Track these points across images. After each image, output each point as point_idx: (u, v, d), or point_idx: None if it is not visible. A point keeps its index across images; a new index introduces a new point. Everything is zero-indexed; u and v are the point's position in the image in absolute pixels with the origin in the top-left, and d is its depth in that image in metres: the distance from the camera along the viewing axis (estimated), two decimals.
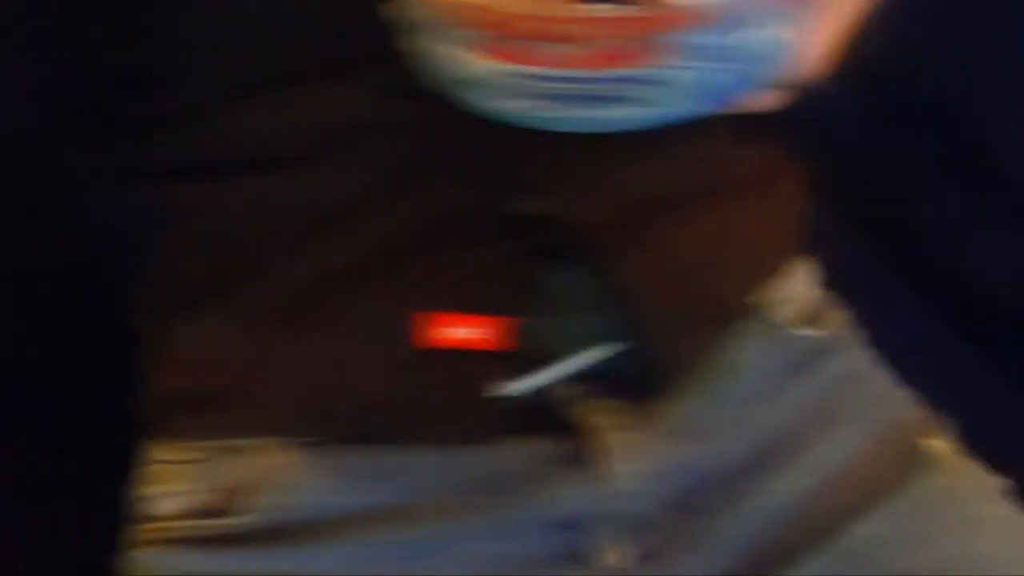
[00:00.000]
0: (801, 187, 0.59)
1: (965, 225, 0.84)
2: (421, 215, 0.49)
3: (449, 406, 0.50)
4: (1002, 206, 0.85)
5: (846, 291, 0.64)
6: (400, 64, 0.44)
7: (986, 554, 0.52)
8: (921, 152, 0.88)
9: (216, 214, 0.52)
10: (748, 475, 0.52)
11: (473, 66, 0.41)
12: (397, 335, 0.49)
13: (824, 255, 0.64)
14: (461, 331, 0.49)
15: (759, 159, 0.56)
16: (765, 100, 0.50)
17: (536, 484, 0.50)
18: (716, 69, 0.41)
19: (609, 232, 0.50)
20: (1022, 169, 0.83)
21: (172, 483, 0.52)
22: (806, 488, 0.53)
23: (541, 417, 0.50)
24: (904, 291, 0.82)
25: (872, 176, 0.90)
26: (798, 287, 0.58)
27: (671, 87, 0.41)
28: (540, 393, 0.50)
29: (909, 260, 0.84)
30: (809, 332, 0.57)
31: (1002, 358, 0.80)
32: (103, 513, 0.59)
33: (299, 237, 0.50)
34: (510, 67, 0.41)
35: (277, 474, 0.50)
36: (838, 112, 0.90)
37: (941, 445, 0.56)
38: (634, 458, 0.50)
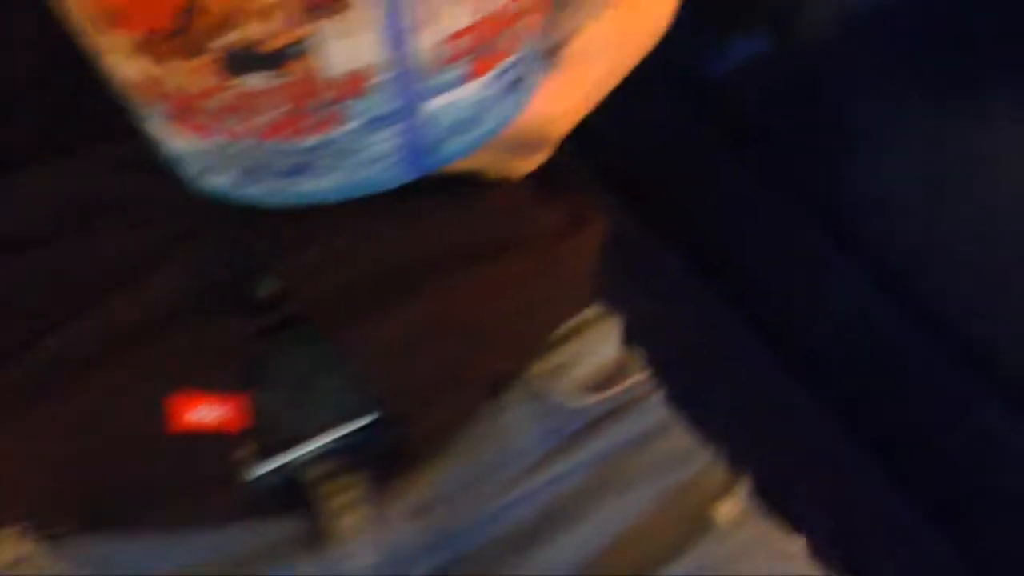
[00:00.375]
0: (588, 245, 0.58)
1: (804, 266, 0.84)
2: (158, 294, 0.48)
3: (191, 489, 0.49)
4: (845, 253, 0.85)
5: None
6: (136, 140, 0.44)
7: None
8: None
9: None
10: (514, 548, 0.51)
11: (173, 142, 0.41)
12: (136, 418, 0.48)
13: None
14: (201, 412, 0.48)
15: (531, 219, 0.55)
16: (504, 162, 0.49)
17: (273, 565, 0.49)
18: (407, 134, 0.40)
19: (341, 306, 0.49)
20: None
21: None
22: (580, 559, 0.51)
23: (285, 497, 0.49)
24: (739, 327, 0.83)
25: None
26: (586, 348, 0.56)
27: (358, 155, 0.39)
28: (283, 472, 0.49)
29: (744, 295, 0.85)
30: (594, 398, 0.55)
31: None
32: None
33: (39, 319, 0.49)
34: (204, 142, 0.40)
35: (16, 567, 0.49)
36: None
37: (731, 508, 0.54)
38: (372, 536, 0.49)
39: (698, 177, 0.95)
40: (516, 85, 0.41)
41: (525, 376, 0.53)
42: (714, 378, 0.79)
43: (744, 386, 0.79)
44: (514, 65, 0.40)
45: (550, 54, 0.45)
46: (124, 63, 0.38)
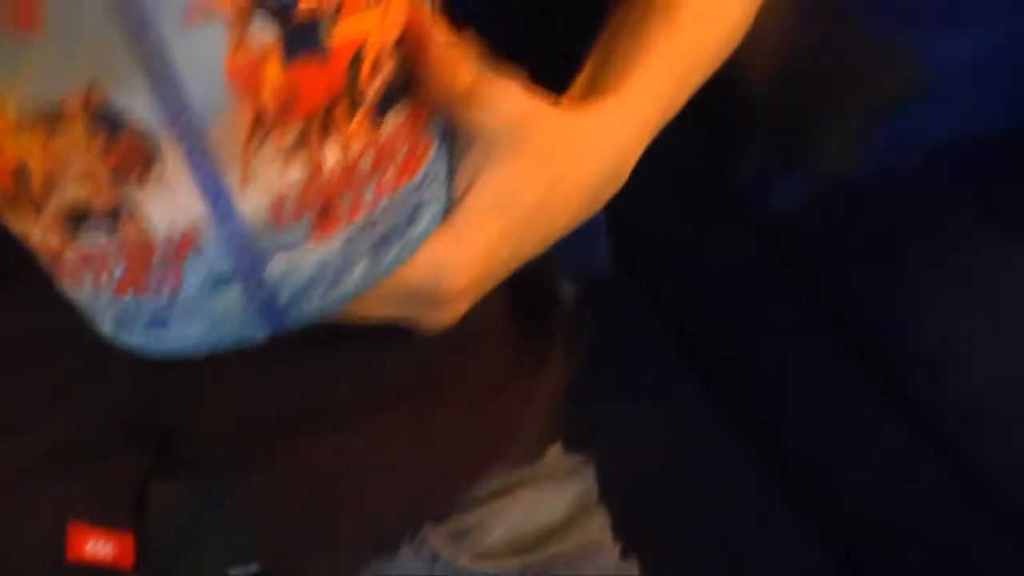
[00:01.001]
0: (529, 398, 0.56)
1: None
2: (60, 429, 0.49)
3: None
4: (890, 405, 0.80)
5: None
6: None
7: None
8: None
9: None
10: None
11: (63, 288, 0.42)
12: (34, 547, 0.49)
13: None
14: (96, 546, 0.49)
15: (454, 367, 0.53)
16: (404, 314, 0.47)
17: None
18: (253, 292, 0.40)
19: (235, 452, 0.49)
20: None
21: None
22: None
23: None
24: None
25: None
26: (511, 509, 0.54)
27: (210, 311, 0.40)
28: None
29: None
30: (508, 562, 0.53)
31: None
32: None
33: None
34: (76, 292, 0.41)
35: None
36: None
37: None
38: None
39: (753, 313, 0.92)
40: (380, 243, 0.40)
41: (424, 535, 0.52)
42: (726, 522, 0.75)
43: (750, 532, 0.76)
44: (370, 225, 0.39)
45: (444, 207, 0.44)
46: (7, 218, 0.40)
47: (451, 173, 0.43)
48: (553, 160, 0.43)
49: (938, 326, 0.86)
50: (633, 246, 0.90)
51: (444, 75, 0.38)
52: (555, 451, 0.59)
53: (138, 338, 0.41)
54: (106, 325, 0.41)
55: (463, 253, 0.43)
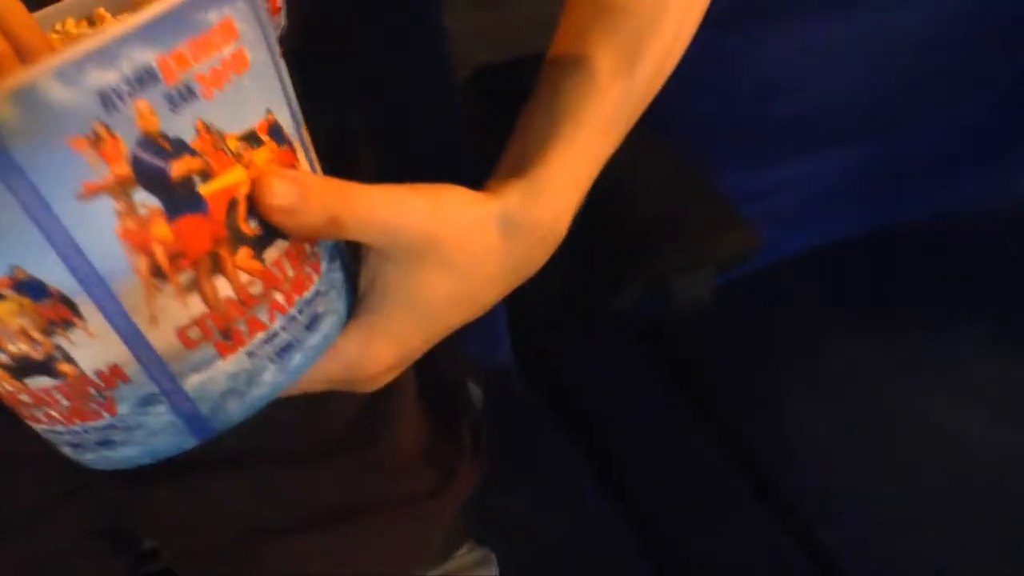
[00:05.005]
0: (440, 508, 0.63)
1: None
2: (49, 541, 0.55)
3: None
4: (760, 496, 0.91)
5: None
6: None
7: None
8: None
9: None
10: None
11: (25, 421, 0.48)
12: None
13: None
14: None
15: (377, 484, 0.59)
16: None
17: None
18: (178, 408, 0.44)
19: (209, 559, 0.55)
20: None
21: None
22: None
23: None
24: None
25: None
26: None
27: (147, 429, 0.45)
28: None
29: None
30: None
31: None
32: None
33: None
34: (35, 426, 0.47)
35: None
36: None
37: None
38: None
39: (639, 408, 1.02)
40: (283, 352, 0.45)
41: None
42: None
43: None
44: (269, 338, 0.45)
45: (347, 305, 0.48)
46: None
47: (351, 277, 0.47)
48: (465, 255, 0.44)
49: (797, 419, 0.96)
50: (532, 342, 0.98)
51: (296, 220, 0.41)
52: (464, 548, 0.67)
53: (92, 456, 0.47)
54: (65, 449, 0.47)
55: (374, 346, 0.45)
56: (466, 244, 0.43)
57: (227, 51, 0.41)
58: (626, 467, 0.96)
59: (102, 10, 0.48)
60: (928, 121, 1.15)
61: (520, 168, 0.46)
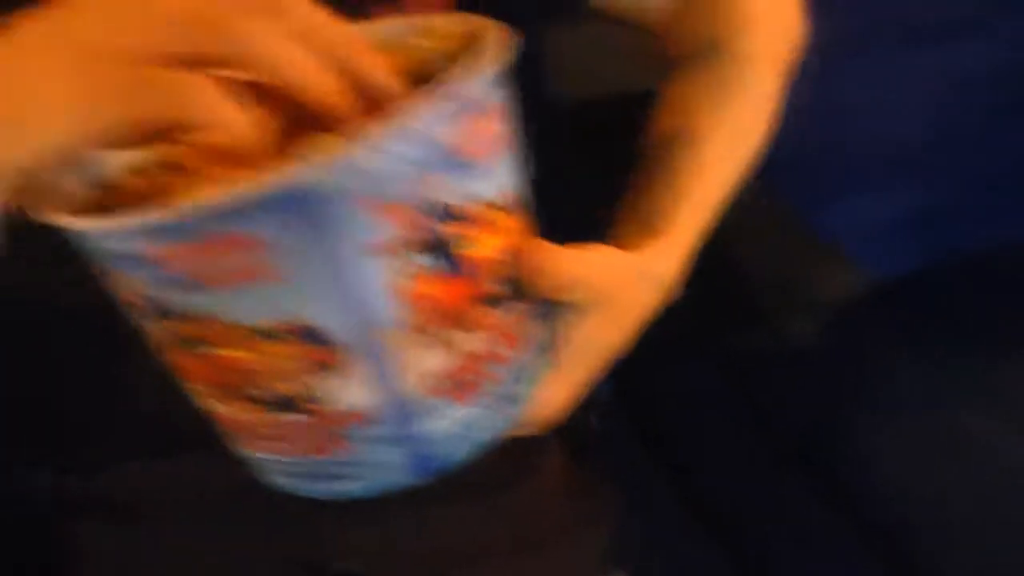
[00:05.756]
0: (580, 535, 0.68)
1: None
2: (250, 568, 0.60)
3: None
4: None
5: None
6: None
7: None
8: None
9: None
10: None
11: (249, 455, 0.52)
12: None
13: None
14: None
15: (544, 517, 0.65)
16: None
17: None
18: (410, 450, 0.48)
19: None
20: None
21: None
22: None
23: None
24: None
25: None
26: None
27: (375, 466, 0.48)
28: None
29: None
30: None
31: None
32: None
33: None
34: (264, 457, 0.51)
35: None
36: None
37: None
38: None
39: (720, 445, 1.05)
40: (507, 400, 0.50)
41: None
42: None
43: None
44: (501, 387, 0.49)
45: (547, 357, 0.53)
46: (214, 405, 0.49)
47: (552, 333, 0.52)
48: (625, 303, 0.52)
49: (877, 451, 1.00)
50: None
51: (543, 279, 0.47)
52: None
53: (310, 487, 0.51)
54: (278, 477, 0.50)
55: (560, 392, 0.52)
56: (624, 295, 0.51)
57: (498, 130, 0.45)
58: (719, 503, 0.99)
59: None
60: (989, 156, 1.20)
61: (649, 229, 0.57)
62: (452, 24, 0.51)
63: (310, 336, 0.43)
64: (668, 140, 0.61)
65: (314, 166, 0.40)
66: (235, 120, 0.38)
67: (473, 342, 0.46)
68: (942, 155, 1.19)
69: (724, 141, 0.61)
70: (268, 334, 0.43)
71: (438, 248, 0.44)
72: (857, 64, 1.10)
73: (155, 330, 0.46)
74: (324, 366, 0.44)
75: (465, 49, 0.48)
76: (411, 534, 0.60)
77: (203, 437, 0.56)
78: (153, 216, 0.40)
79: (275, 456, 0.49)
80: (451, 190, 0.43)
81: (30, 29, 0.39)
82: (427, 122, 0.41)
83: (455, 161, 0.43)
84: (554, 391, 0.51)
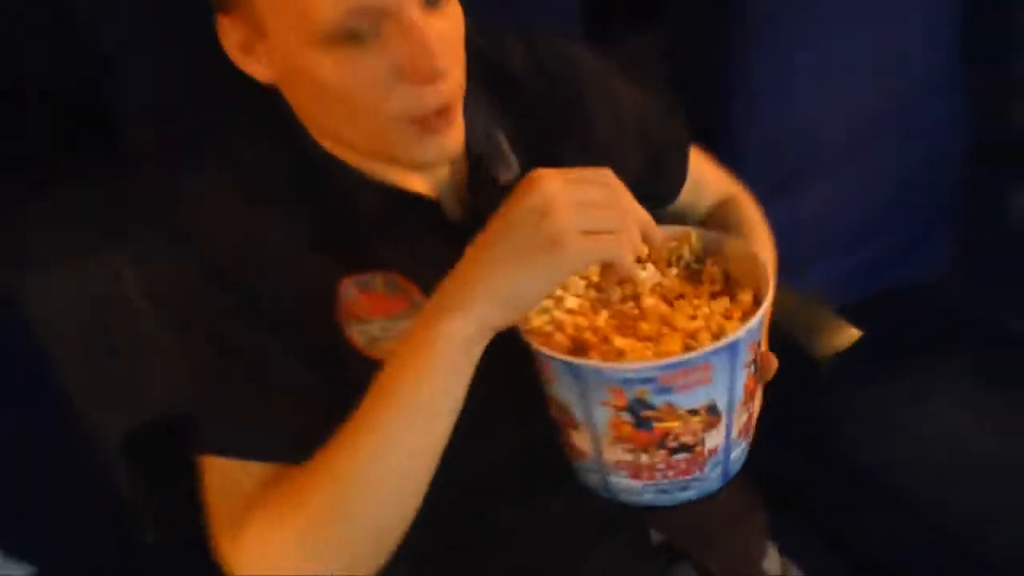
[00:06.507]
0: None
1: None
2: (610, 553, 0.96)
3: None
4: None
5: None
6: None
7: None
8: None
9: None
10: None
11: (621, 484, 0.82)
12: None
13: None
14: None
15: None
16: None
17: None
18: (724, 468, 0.83)
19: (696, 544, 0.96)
20: None
21: None
22: None
23: None
24: None
25: None
26: None
27: (706, 480, 0.82)
28: None
29: None
30: None
31: None
32: None
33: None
34: (638, 484, 0.81)
35: None
36: None
37: None
38: None
39: None
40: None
41: None
42: None
43: None
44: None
45: None
46: (622, 457, 0.80)
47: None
48: None
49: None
50: None
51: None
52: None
53: (667, 498, 0.82)
54: (647, 495, 0.82)
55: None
56: None
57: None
58: None
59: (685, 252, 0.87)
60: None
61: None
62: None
63: (712, 411, 0.78)
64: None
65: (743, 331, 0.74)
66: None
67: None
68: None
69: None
70: (694, 412, 0.76)
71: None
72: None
73: (607, 421, 0.76)
74: (711, 425, 0.78)
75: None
76: (695, 514, 0.87)
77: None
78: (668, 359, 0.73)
79: (653, 482, 0.80)
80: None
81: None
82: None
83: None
84: None
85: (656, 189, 1.00)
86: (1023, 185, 1.74)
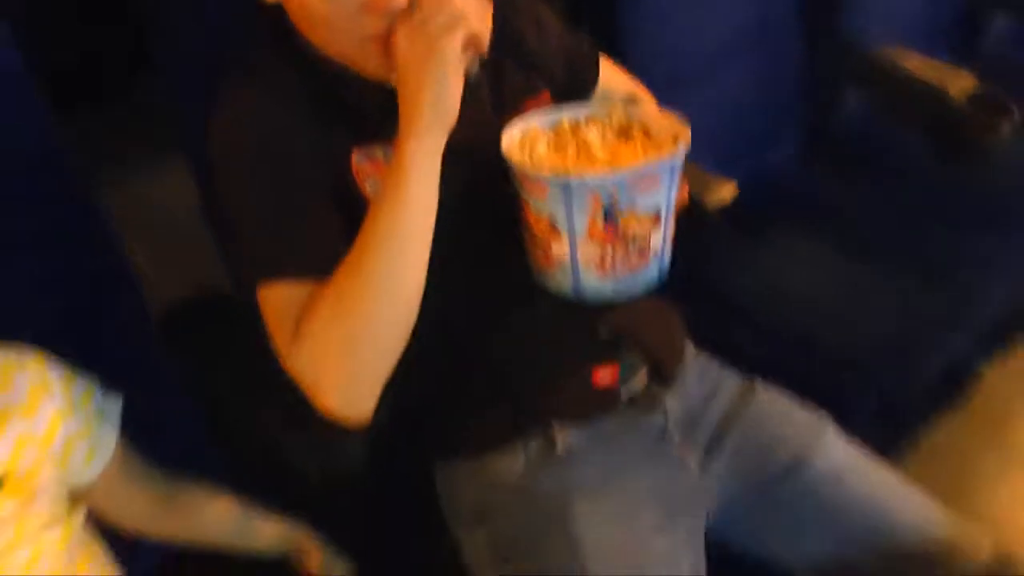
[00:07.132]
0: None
1: None
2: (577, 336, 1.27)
3: None
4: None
5: None
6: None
7: None
8: None
9: None
10: None
11: (591, 281, 1.10)
12: None
13: None
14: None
15: None
16: None
17: None
18: (659, 265, 1.12)
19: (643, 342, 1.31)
20: None
21: None
22: None
23: None
24: None
25: None
26: None
27: (652, 272, 1.14)
28: None
29: None
30: None
31: None
32: None
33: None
34: (606, 276, 1.09)
35: None
36: None
37: None
38: None
39: None
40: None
41: None
42: None
43: None
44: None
45: None
46: (593, 252, 1.12)
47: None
48: None
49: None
50: None
51: None
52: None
53: (601, 295, 1.12)
54: (586, 292, 1.12)
55: None
56: None
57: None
58: None
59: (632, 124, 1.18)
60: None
61: None
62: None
63: (657, 215, 1.07)
64: None
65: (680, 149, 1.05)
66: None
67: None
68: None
69: None
70: (647, 214, 1.07)
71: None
72: None
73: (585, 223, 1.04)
74: (656, 227, 1.09)
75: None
76: (632, 313, 1.21)
77: None
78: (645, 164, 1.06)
79: (614, 277, 1.08)
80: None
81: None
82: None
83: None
84: None
85: (576, 89, 1.33)
86: (851, 86, 2.12)
